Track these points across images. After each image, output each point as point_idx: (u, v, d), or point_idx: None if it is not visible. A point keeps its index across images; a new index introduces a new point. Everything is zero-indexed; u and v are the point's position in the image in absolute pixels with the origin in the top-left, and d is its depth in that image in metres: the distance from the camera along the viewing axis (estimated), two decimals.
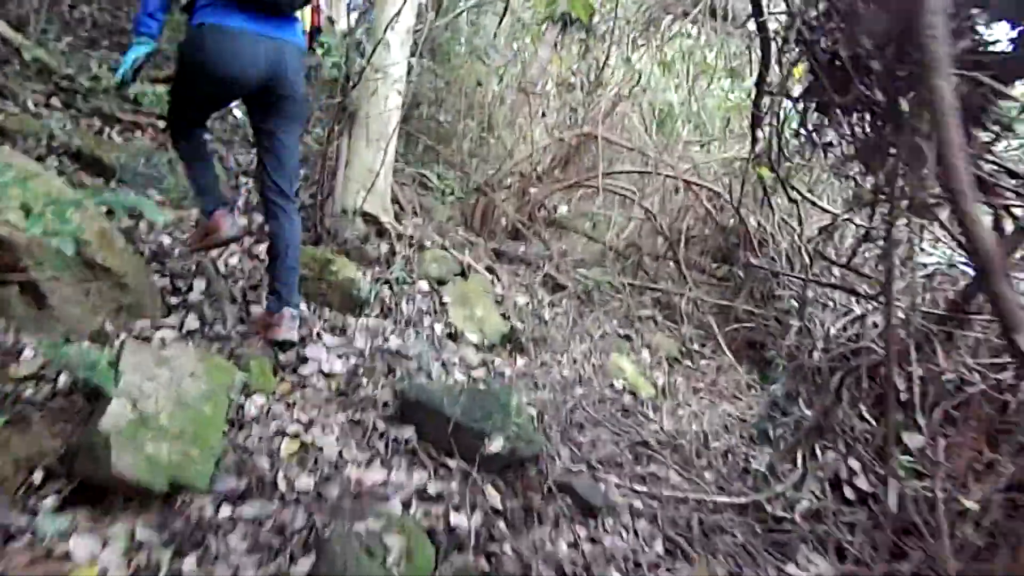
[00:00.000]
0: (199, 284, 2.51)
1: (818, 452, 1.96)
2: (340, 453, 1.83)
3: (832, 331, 2.03)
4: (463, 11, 3.96)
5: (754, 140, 2.25)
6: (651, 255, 5.06)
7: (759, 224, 3.95)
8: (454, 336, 2.95)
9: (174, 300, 2.39)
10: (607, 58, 4.87)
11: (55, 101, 4.01)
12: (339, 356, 2.37)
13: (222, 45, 2.00)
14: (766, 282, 3.98)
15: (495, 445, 1.81)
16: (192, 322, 2.31)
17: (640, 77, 4.82)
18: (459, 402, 1.90)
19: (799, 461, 1.99)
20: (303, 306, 2.67)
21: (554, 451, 2.14)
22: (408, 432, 1.93)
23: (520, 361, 3.08)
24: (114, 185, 3.16)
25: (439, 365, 2.69)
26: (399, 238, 3.45)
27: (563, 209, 3.84)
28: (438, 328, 2.94)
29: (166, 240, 2.79)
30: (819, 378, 2.07)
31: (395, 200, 3.93)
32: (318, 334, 2.45)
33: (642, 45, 4.83)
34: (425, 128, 6.01)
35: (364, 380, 2.24)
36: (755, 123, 2.14)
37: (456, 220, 4.62)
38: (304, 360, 2.29)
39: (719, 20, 5.38)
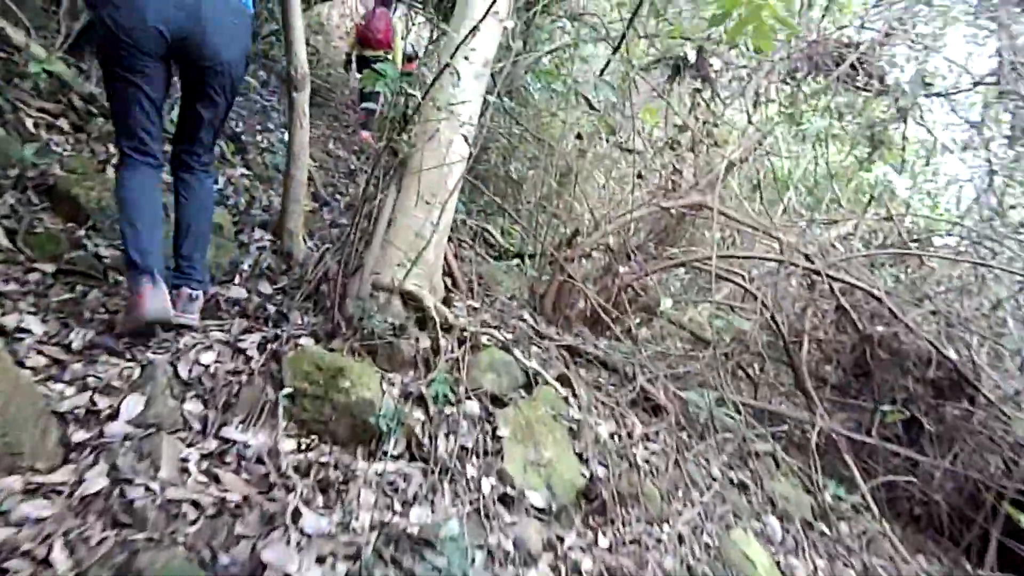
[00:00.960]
0: (133, 404, 1.64)
1: None
2: None
3: None
4: (560, 47, 3.12)
5: None
6: (761, 360, 3.97)
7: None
8: (509, 499, 1.97)
9: (82, 434, 1.52)
10: (724, 112, 3.94)
11: (63, 123, 3.39)
12: (319, 560, 1.43)
13: None
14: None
15: None
16: (98, 479, 1.43)
17: (765, 138, 3.84)
18: None
19: None
20: (289, 444, 1.78)
21: None
22: None
23: (603, 540, 2.05)
24: (82, 233, 2.40)
25: (484, 556, 1.71)
26: (448, 329, 2.53)
27: (667, 303, 2.85)
28: (487, 485, 1.97)
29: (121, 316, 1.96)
30: None
31: (447, 272, 3.04)
32: (295, 512, 1.51)
33: (771, 100, 3.87)
34: (492, 177, 5.21)
35: None
36: None
37: (521, 297, 3.70)
38: (260, 569, 1.36)
39: (861, 77, 4.40)
